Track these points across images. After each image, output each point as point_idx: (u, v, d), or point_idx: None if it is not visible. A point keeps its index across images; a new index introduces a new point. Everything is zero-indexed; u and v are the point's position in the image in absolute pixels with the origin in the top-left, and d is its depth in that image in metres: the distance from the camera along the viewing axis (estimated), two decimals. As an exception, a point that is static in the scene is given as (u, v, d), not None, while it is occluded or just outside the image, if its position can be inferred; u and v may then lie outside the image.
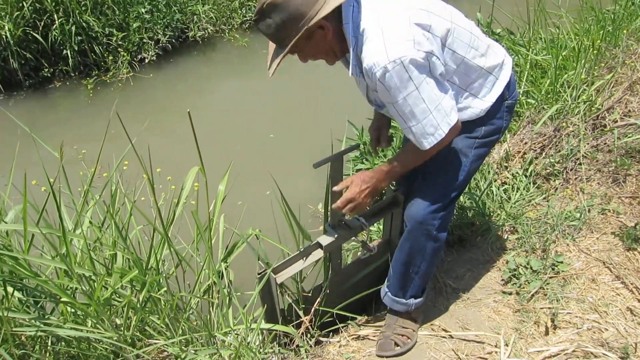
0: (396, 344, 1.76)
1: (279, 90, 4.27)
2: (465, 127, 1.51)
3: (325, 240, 1.76)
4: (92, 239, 1.54)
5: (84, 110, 3.78)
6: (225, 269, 1.71)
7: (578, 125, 2.60)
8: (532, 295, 1.84)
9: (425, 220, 1.58)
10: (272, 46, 1.40)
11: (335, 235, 1.77)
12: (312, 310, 1.83)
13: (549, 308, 1.77)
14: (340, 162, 1.64)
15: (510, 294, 1.90)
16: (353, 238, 1.82)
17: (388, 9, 1.32)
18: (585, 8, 3.60)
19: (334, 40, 1.34)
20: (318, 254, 1.77)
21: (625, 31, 3.28)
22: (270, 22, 1.29)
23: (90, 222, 1.61)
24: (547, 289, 1.84)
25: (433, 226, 1.59)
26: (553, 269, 1.91)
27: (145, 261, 1.53)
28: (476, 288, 1.98)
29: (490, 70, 1.48)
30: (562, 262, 1.93)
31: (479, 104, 1.51)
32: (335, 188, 1.56)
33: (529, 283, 1.89)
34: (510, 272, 1.96)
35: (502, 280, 1.97)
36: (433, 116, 1.33)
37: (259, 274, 1.63)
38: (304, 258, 1.75)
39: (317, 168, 1.55)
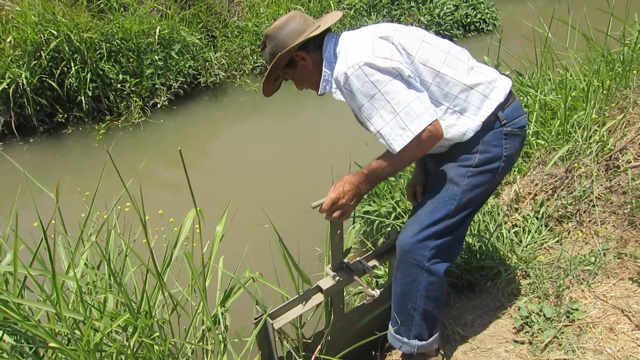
0: None
1: (287, 132, 4.31)
2: (458, 154, 1.52)
3: (326, 283, 1.69)
4: (85, 281, 1.50)
5: (94, 154, 3.84)
6: (222, 314, 1.65)
7: (590, 166, 2.54)
8: (546, 345, 1.73)
9: (412, 249, 1.54)
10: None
11: (337, 279, 1.70)
12: (313, 358, 1.74)
13: (564, 359, 1.66)
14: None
15: (523, 343, 1.79)
16: (355, 282, 1.76)
17: (361, 32, 1.48)
18: (593, 49, 3.60)
19: (314, 70, 1.53)
20: (318, 298, 1.70)
21: (635, 72, 3.26)
22: (266, 51, 1.56)
23: (86, 264, 1.58)
24: (562, 338, 1.73)
25: (423, 257, 1.53)
26: (568, 317, 1.81)
27: (138, 304, 1.48)
28: (486, 336, 1.87)
29: (473, 86, 1.46)
30: (577, 310, 1.82)
31: (466, 123, 1.47)
32: (316, 202, 1.50)
33: (542, 332, 1.78)
34: (522, 319, 1.86)
35: (514, 328, 1.87)
36: (400, 117, 1.36)
37: (255, 319, 1.56)
38: (304, 302, 1.69)
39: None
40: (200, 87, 4.89)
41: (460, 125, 1.48)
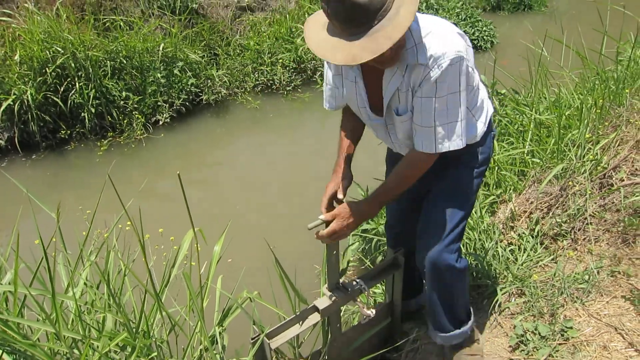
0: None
1: (288, 148, 4.36)
2: (463, 155, 1.54)
3: (323, 303, 1.72)
4: (83, 300, 1.53)
5: (96, 170, 3.88)
6: (220, 333, 1.68)
7: (584, 185, 2.57)
8: (541, 364, 1.75)
9: (442, 259, 1.60)
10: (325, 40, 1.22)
11: (333, 299, 1.73)
12: (310, 377, 1.76)
13: (559, 378, 1.68)
14: (335, 223, 1.62)
15: (518, 361, 1.81)
16: (352, 301, 1.79)
17: (440, 20, 1.39)
18: (588, 67, 3.65)
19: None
20: (315, 318, 1.73)
21: (628, 90, 3.30)
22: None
23: (85, 283, 1.61)
24: (557, 356, 1.75)
25: (453, 260, 1.60)
26: (562, 335, 1.83)
27: (136, 324, 1.51)
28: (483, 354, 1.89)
29: (483, 97, 1.56)
30: (571, 328, 1.84)
31: (479, 125, 1.56)
32: (321, 217, 1.52)
33: (537, 350, 1.80)
34: (517, 337, 1.88)
35: (510, 346, 1.88)
36: (461, 124, 1.38)
37: (252, 338, 1.59)
38: (300, 322, 1.71)
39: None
40: (202, 104, 4.95)
41: (476, 128, 1.56)
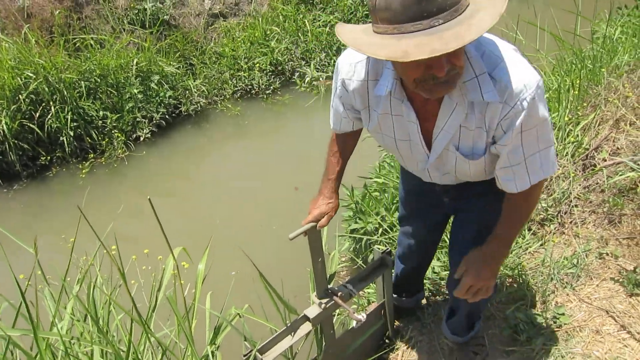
0: (474, 353, 1.88)
1: (271, 156, 4.33)
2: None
3: (313, 312, 1.71)
4: (69, 335, 1.50)
5: (79, 194, 3.83)
6: (213, 352, 1.66)
7: (567, 167, 2.58)
8: (536, 353, 1.75)
9: None
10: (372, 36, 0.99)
11: (323, 306, 1.72)
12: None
13: (555, 366, 1.68)
14: (316, 231, 1.61)
15: (514, 352, 1.81)
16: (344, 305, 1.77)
17: (501, 41, 1.18)
18: (564, 48, 3.66)
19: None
20: (306, 327, 1.71)
21: (605, 69, 3.32)
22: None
23: (71, 317, 1.58)
24: (551, 344, 1.75)
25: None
26: (555, 322, 1.83)
27: (125, 353, 1.48)
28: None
29: None
30: (563, 314, 1.85)
31: None
32: (455, 276, 1.41)
33: (531, 339, 1.80)
34: (510, 328, 1.88)
35: (504, 337, 1.88)
36: (553, 149, 1.23)
37: (244, 355, 1.57)
38: (292, 333, 1.69)
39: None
40: (181, 116, 4.90)
41: None
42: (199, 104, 4.96)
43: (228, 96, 5.22)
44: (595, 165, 2.60)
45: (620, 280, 1.91)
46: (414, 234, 1.83)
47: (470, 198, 1.51)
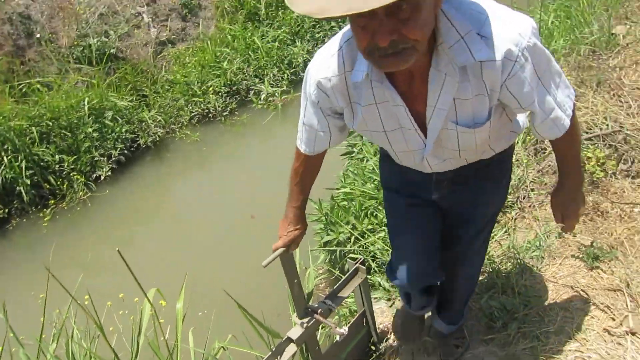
0: (456, 346, 1.90)
1: (234, 178, 4.32)
2: (497, 168, 1.42)
3: (296, 333, 1.73)
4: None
5: (45, 244, 3.73)
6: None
7: (520, 154, 2.70)
8: (513, 337, 1.83)
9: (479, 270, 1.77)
10: None
11: (305, 325, 1.75)
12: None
13: (531, 347, 1.76)
14: (288, 255, 1.64)
15: (492, 339, 1.88)
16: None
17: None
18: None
19: (432, 15, 0.95)
20: (291, 349, 1.74)
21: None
22: None
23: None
24: (525, 327, 1.83)
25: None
26: (526, 305, 1.91)
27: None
28: (457, 341, 1.95)
29: None
30: (533, 296, 1.93)
31: (522, 117, 1.40)
32: (556, 222, 1.48)
33: (506, 325, 1.88)
34: (486, 317, 1.95)
35: (481, 326, 1.96)
36: (565, 78, 1.17)
37: (233, 387, 1.59)
38: (278, 357, 1.72)
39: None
40: (140, 149, 4.84)
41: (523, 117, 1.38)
42: (157, 135, 4.91)
43: (185, 123, 5.19)
44: (545, 149, 2.73)
45: (580, 256, 2.02)
46: (422, 235, 1.57)
47: (473, 179, 1.40)
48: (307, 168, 1.45)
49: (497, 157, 1.36)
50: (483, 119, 1.14)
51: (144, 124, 4.93)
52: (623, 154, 2.42)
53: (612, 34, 3.53)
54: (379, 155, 1.63)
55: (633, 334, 1.70)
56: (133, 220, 4.10)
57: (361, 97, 1.16)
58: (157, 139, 4.92)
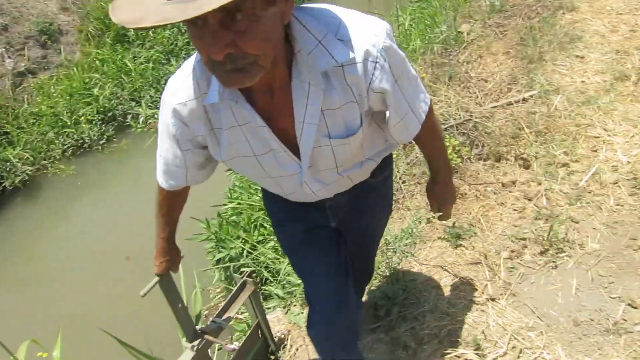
0: None
1: (116, 211, 4.12)
2: (383, 171, 1.42)
3: (186, 357, 1.71)
4: None
5: None
6: None
7: (389, 150, 2.90)
8: (395, 321, 1.96)
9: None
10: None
11: (196, 349, 1.73)
12: None
13: (411, 328, 1.90)
14: (168, 279, 1.62)
15: (379, 326, 2.01)
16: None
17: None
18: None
19: (278, 27, 0.90)
20: (184, 376, 1.71)
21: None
22: None
23: None
24: (404, 310, 1.98)
25: None
26: (405, 290, 2.07)
27: None
28: (349, 336, 2.05)
29: None
30: (409, 280, 2.09)
31: None
32: (433, 212, 1.56)
33: (389, 311, 2.01)
34: (372, 307, 2.07)
35: (368, 317, 2.08)
36: (420, 82, 1.19)
37: None
38: (171, 386, 1.68)
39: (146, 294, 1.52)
40: (7, 191, 4.43)
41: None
42: (25, 174, 4.52)
43: (58, 157, 4.84)
44: (411, 142, 2.96)
45: (446, 237, 2.23)
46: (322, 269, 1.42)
47: (362, 191, 1.39)
48: (171, 201, 1.36)
49: (383, 173, 1.41)
50: (356, 128, 1.10)
51: (8, 163, 4.51)
52: (474, 140, 2.71)
53: (459, 32, 3.92)
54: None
55: (493, 299, 1.91)
56: (5, 270, 3.73)
57: (222, 121, 1.06)
58: (27, 178, 4.53)
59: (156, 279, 1.55)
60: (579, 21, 3.56)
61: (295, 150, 1.11)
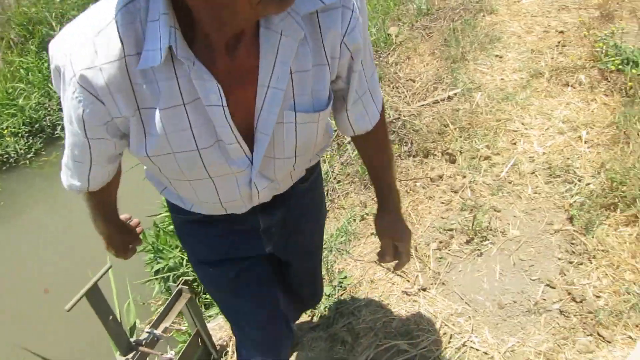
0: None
1: (34, 236, 3.91)
2: (315, 173, 1.26)
3: (121, 372, 1.68)
4: None
5: None
6: None
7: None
8: (332, 318, 2.01)
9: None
10: None
11: (131, 362, 1.70)
12: None
13: (348, 324, 1.95)
14: (96, 292, 1.58)
15: (318, 325, 2.04)
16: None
17: None
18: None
19: None
20: (121, 390, 1.68)
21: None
22: None
23: None
24: (341, 307, 2.03)
25: None
26: (341, 286, 2.12)
27: None
28: (289, 336, 2.07)
29: None
30: (345, 277, 2.14)
31: None
32: (381, 256, 1.24)
33: (327, 309, 2.06)
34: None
35: (308, 316, 2.11)
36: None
37: None
38: (105, 402, 1.64)
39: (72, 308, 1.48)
40: None
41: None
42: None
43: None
44: (344, 140, 3.04)
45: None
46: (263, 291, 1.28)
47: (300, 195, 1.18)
48: (97, 201, 1.10)
49: (313, 173, 1.21)
50: (324, 101, 0.88)
51: None
52: (403, 138, 2.82)
53: (388, 34, 4.05)
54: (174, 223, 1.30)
55: (424, 289, 2.00)
56: None
57: (158, 96, 0.76)
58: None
59: (83, 290, 1.51)
60: (498, 23, 3.78)
61: (247, 139, 0.87)
